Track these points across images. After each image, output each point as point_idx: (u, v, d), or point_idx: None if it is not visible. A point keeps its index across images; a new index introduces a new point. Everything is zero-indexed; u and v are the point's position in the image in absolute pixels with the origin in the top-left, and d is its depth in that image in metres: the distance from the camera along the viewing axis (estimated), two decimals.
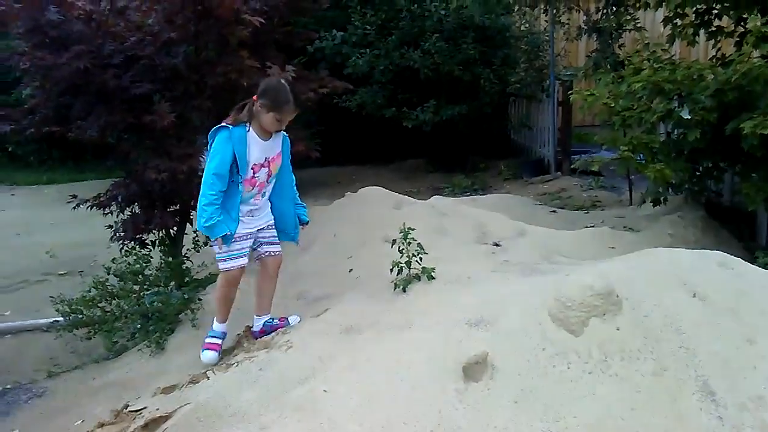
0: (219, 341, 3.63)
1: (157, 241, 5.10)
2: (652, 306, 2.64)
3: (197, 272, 5.23)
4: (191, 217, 5.28)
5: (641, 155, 5.01)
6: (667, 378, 2.38)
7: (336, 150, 9.66)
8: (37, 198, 11.44)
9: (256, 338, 3.66)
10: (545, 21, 9.88)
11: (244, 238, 3.53)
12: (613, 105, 4.98)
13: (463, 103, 9.64)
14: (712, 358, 2.42)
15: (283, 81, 3.58)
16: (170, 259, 4.85)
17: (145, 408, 3.34)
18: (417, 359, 2.76)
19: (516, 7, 9.50)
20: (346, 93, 8.72)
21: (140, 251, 4.84)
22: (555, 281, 2.94)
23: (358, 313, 3.54)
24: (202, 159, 5.00)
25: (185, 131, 4.75)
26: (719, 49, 5.49)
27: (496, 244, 4.27)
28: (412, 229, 3.59)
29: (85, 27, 4.41)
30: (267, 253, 3.69)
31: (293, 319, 3.71)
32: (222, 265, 3.55)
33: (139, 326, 4.40)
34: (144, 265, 4.62)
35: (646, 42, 5.71)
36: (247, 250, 3.58)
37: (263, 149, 3.46)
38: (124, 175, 4.99)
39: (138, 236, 4.89)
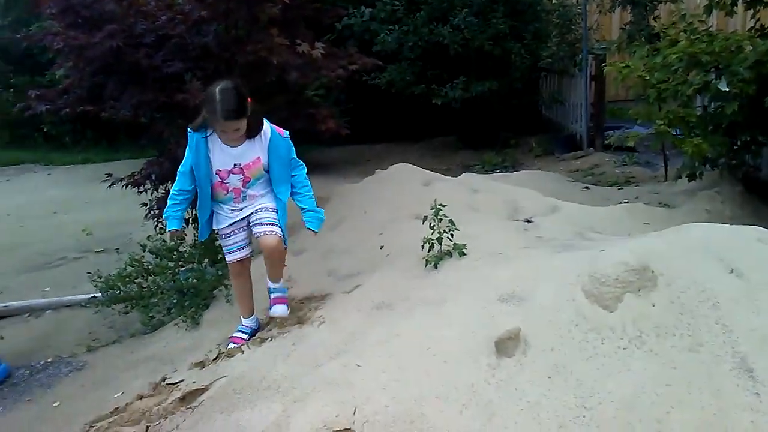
0: (245, 336, 3.64)
1: (190, 219, 5.17)
2: (688, 282, 2.60)
3: None
4: None
5: (677, 130, 4.91)
6: (704, 354, 2.35)
7: (365, 128, 9.64)
8: (72, 177, 11.67)
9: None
10: None
11: (235, 232, 3.54)
12: (648, 78, 4.87)
13: (493, 79, 9.51)
14: (749, 335, 2.38)
15: (222, 87, 3.11)
16: None
17: (182, 381, 3.42)
18: (449, 335, 2.77)
19: None
20: (375, 70, 8.66)
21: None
22: (589, 257, 2.91)
23: (389, 290, 3.55)
24: None
25: None
26: (758, 20, 5.32)
27: (528, 221, 4.24)
28: (444, 206, 3.58)
29: (116, 6, 4.44)
30: (258, 234, 3.50)
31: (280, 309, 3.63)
32: (225, 259, 3.67)
33: (174, 302, 4.48)
34: (179, 242, 4.68)
35: (683, 13, 5.55)
36: (242, 242, 3.57)
37: (231, 156, 3.31)
38: (157, 154, 5.05)
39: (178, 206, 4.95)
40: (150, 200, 5.11)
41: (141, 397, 3.48)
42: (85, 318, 5.17)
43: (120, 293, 4.70)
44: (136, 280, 4.74)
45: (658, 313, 2.51)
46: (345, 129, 5.27)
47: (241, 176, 3.37)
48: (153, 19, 4.46)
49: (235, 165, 3.33)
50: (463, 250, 3.57)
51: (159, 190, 5.08)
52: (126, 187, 5.13)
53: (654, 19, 7.58)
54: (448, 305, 3.05)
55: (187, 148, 3.38)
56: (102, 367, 4.22)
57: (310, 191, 3.54)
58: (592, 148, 8.86)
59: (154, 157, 5.07)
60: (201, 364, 3.57)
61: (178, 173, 3.43)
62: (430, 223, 3.59)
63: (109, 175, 5.16)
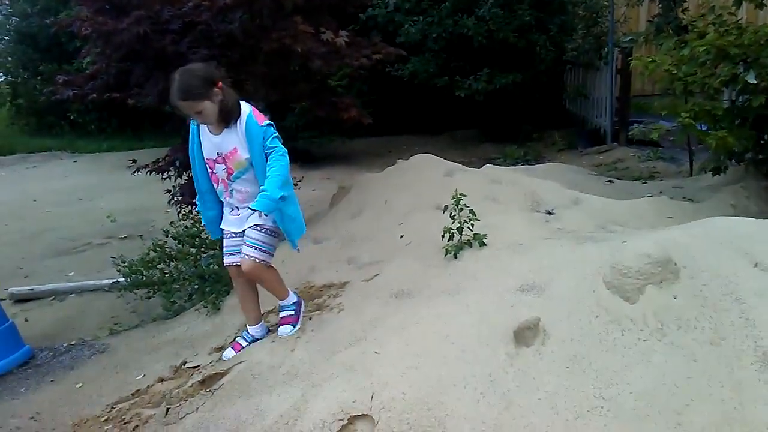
0: (244, 343, 3.46)
1: None
2: (712, 275, 2.58)
3: None
4: None
5: (702, 125, 4.83)
6: (725, 347, 2.33)
7: (387, 119, 9.64)
8: (98, 165, 11.82)
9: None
10: None
11: (229, 236, 3.35)
12: (674, 71, 4.80)
13: (517, 72, 9.45)
14: None
15: (181, 68, 3.01)
16: None
17: (202, 365, 3.47)
18: (468, 323, 2.77)
19: None
20: (398, 61, 8.66)
21: (197, 215, 4.96)
22: (611, 248, 2.89)
23: (408, 278, 3.56)
24: None
25: (240, 97, 4.79)
26: None
27: (550, 212, 4.21)
28: (464, 196, 3.57)
29: None
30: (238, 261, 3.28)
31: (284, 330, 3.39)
32: None
33: (196, 287, 4.53)
34: (201, 228, 4.73)
35: (712, 5, 5.45)
36: (236, 248, 3.29)
37: (214, 145, 3.16)
38: (182, 140, 5.08)
39: (195, 200, 4.99)
40: (174, 187, 5.16)
41: (162, 380, 3.53)
42: (108, 302, 5.25)
43: (143, 278, 4.76)
44: (158, 266, 4.79)
45: (680, 305, 2.49)
46: (367, 118, 5.27)
47: (224, 167, 3.17)
48: (179, 6, 4.48)
49: (218, 154, 3.16)
50: (483, 240, 3.56)
51: (183, 177, 5.12)
52: (150, 174, 5.18)
53: (682, 11, 7.46)
54: (468, 294, 3.05)
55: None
56: (124, 351, 4.28)
57: (278, 171, 3.02)
58: (616, 143, 8.77)
59: (178, 145, 5.11)
60: (221, 349, 3.61)
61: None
62: (451, 213, 3.58)
63: (134, 161, 5.22)
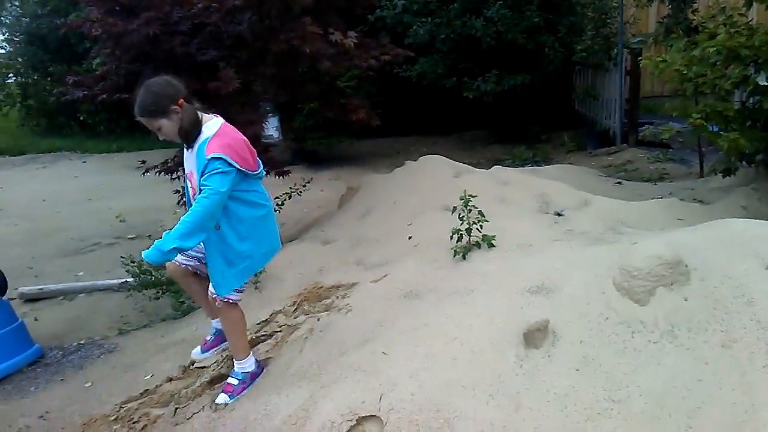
0: (209, 338, 3.34)
1: None
2: (723, 277, 2.56)
3: None
4: None
5: (713, 126, 4.81)
6: (737, 350, 2.31)
7: (396, 121, 9.64)
8: (107, 165, 11.88)
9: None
10: None
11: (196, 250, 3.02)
12: (685, 72, 4.77)
13: (526, 73, 9.43)
14: None
15: (146, 82, 2.86)
16: None
17: (210, 365, 3.47)
18: (477, 325, 2.76)
19: None
20: (406, 62, 8.67)
21: None
22: (621, 250, 2.88)
23: (417, 279, 3.55)
24: (265, 125, 5.09)
25: (249, 98, 4.82)
26: None
27: (559, 214, 4.19)
28: (473, 197, 3.56)
29: None
30: None
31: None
32: None
33: None
34: None
35: (722, 6, 5.42)
36: (193, 254, 3.05)
37: (186, 159, 2.94)
38: None
39: None
40: (182, 187, 5.17)
41: (170, 380, 3.54)
42: (117, 302, 5.26)
43: (151, 278, 4.77)
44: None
45: (691, 307, 2.47)
46: (376, 120, 5.27)
47: (190, 185, 2.95)
48: (189, 7, 4.50)
49: (188, 170, 2.94)
50: (492, 241, 3.55)
51: None
52: (159, 175, 5.20)
53: (692, 12, 7.43)
54: (476, 296, 3.04)
55: None
56: (133, 350, 4.29)
57: (188, 218, 2.65)
58: (625, 144, 8.73)
59: None
60: (229, 350, 3.61)
61: None
62: (460, 214, 3.57)
63: (143, 162, 5.24)
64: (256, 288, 4.30)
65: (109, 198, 9.06)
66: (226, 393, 3.05)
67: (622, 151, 8.50)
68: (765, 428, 2.08)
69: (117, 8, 4.60)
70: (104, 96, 4.62)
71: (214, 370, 3.42)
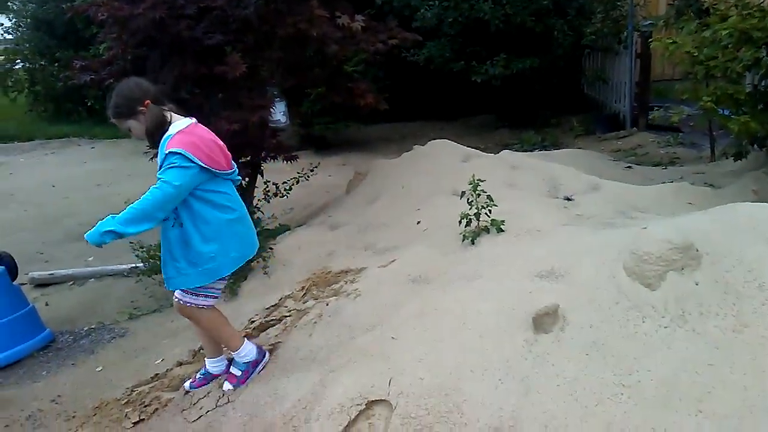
0: (199, 376, 3.23)
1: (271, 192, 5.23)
2: (734, 261, 2.53)
3: (267, 223, 5.34)
4: (262, 168, 5.37)
5: (724, 109, 4.75)
6: (748, 335, 2.29)
7: (403, 105, 9.57)
8: (115, 151, 11.89)
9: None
10: None
11: None
12: (696, 54, 4.71)
13: (534, 57, 9.34)
14: None
15: (118, 85, 2.93)
16: None
17: None
18: (486, 309, 2.75)
19: None
20: (414, 46, 8.60)
21: None
22: (631, 234, 2.85)
23: (425, 264, 3.54)
24: (272, 110, 5.07)
25: (256, 82, 4.80)
26: None
27: (568, 198, 4.17)
28: (482, 181, 3.54)
29: None
30: None
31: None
32: None
33: None
34: None
35: None
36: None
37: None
38: None
39: None
40: None
41: (180, 364, 3.57)
42: (127, 287, 5.30)
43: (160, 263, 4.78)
44: None
45: (701, 292, 2.45)
46: (383, 104, 5.25)
47: None
48: None
49: None
50: (501, 226, 3.54)
51: None
52: None
53: None
54: (485, 280, 3.03)
55: None
56: (143, 335, 4.32)
57: (136, 204, 2.67)
58: (635, 128, 8.66)
59: None
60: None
61: None
62: (468, 199, 3.56)
63: (150, 147, 5.22)
64: (264, 273, 4.31)
65: (117, 183, 9.07)
66: (230, 383, 3.07)
67: (632, 135, 8.45)
68: None
69: None
70: (111, 80, 4.60)
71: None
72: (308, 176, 5.63)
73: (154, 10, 4.24)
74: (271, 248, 4.54)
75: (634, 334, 2.40)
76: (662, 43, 4.97)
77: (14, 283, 4.39)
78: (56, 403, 3.59)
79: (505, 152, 5.48)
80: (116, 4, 4.41)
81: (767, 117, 4.56)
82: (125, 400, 3.38)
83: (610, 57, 9.62)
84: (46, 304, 5.01)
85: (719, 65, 4.65)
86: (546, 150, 7.98)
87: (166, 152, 2.71)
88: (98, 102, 13.75)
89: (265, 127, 5.08)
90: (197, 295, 2.93)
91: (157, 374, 3.53)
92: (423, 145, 5.43)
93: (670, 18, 6.97)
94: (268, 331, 3.54)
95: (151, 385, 3.41)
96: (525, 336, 2.53)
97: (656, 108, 8.16)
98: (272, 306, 3.85)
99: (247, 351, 3.09)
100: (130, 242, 5.06)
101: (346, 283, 3.71)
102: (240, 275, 4.38)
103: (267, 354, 3.18)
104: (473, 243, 3.54)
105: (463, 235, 3.59)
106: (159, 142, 2.81)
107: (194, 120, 2.92)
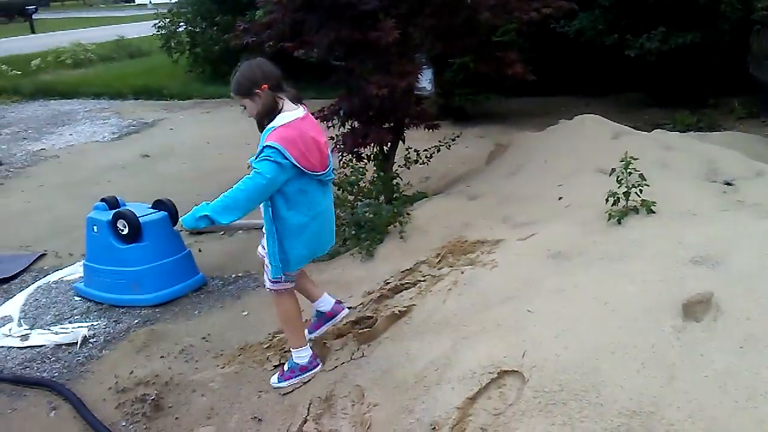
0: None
1: (372, 156, 5.35)
2: None
3: (405, 189, 5.42)
4: (404, 134, 5.45)
5: None
6: None
7: (546, 79, 9.24)
8: None
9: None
10: None
11: None
12: None
13: (696, 31, 8.68)
14: None
15: (245, 63, 3.03)
16: (382, 173, 5.08)
17: (356, 307, 3.62)
18: (630, 291, 2.66)
19: None
20: (565, 16, 8.27)
21: (356, 164, 5.12)
22: None
23: (566, 241, 3.46)
24: (420, 76, 5.10)
25: (406, 48, 4.84)
26: None
27: (728, 183, 3.89)
28: (635, 159, 3.39)
29: None
30: None
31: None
32: None
33: (352, 233, 4.69)
34: (359, 177, 4.88)
35: None
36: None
37: None
38: (346, 91, 5.23)
39: (355, 150, 5.16)
40: (336, 135, 5.34)
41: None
42: None
43: None
44: None
45: None
46: (531, 75, 5.12)
47: None
48: None
49: None
50: (652, 207, 3.38)
51: (345, 126, 5.29)
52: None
53: None
54: (632, 262, 2.92)
55: None
56: None
57: (230, 192, 2.79)
58: None
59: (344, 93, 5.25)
60: (373, 294, 3.74)
61: None
62: (618, 177, 3.41)
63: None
64: (401, 237, 4.39)
65: None
66: (277, 374, 3.22)
67: None
68: None
69: None
70: (270, 44, 4.83)
71: (359, 311, 3.57)
72: (449, 145, 5.64)
73: None
74: (408, 214, 4.61)
75: None
76: None
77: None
78: (206, 341, 3.89)
79: (658, 131, 5.19)
80: None
81: None
82: (267, 344, 3.61)
83: None
84: (200, 251, 5.39)
85: None
86: (701, 132, 7.45)
87: (264, 144, 2.78)
88: None
89: (411, 94, 5.13)
90: (279, 281, 3.05)
91: None
92: (569, 120, 5.26)
93: None
94: (402, 293, 3.62)
95: None
96: (673, 322, 2.43)
97: None
98: (407, 270, 3.92)
99: (303, 354, 3.17)
100: None
101: (483, 253, 3.70)
102: (377, 238, 4.50)
103: (320, 365, 3.19)
104: (620, 223, 3.41)
105: (609, 214, 3.47)
106: (264, 127, 2.88)
107: (304, 112, 2.96)
